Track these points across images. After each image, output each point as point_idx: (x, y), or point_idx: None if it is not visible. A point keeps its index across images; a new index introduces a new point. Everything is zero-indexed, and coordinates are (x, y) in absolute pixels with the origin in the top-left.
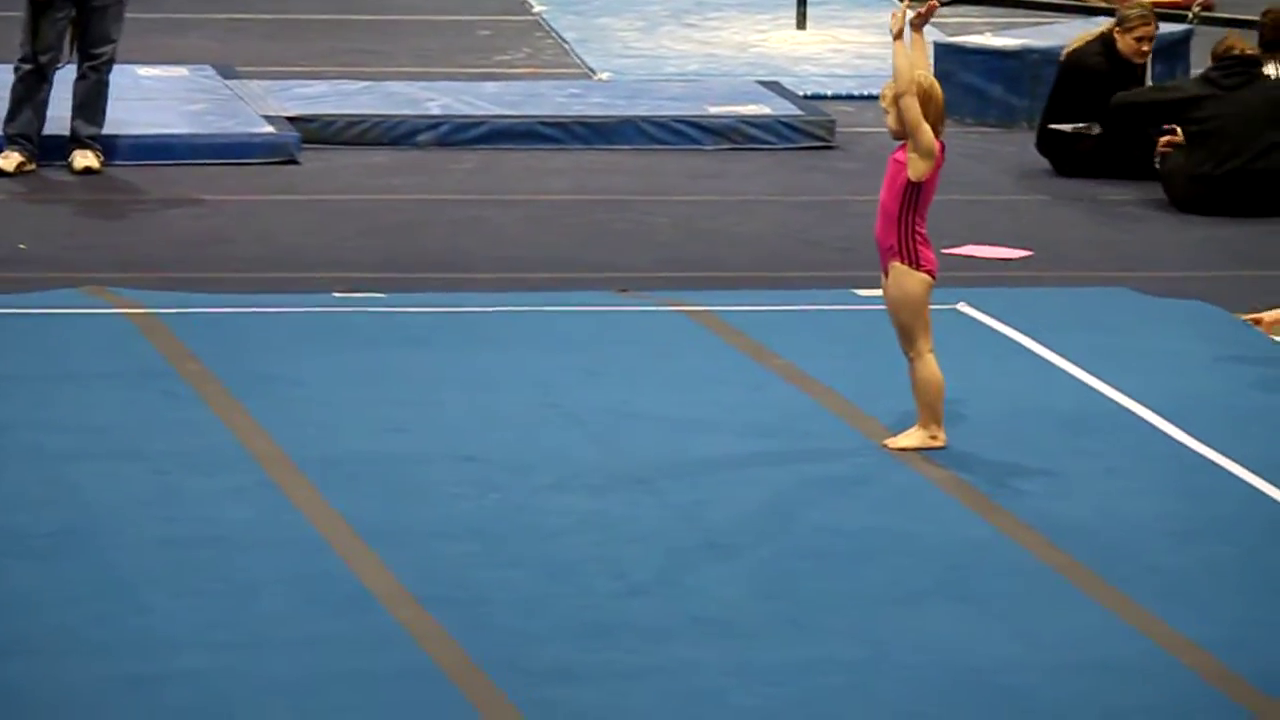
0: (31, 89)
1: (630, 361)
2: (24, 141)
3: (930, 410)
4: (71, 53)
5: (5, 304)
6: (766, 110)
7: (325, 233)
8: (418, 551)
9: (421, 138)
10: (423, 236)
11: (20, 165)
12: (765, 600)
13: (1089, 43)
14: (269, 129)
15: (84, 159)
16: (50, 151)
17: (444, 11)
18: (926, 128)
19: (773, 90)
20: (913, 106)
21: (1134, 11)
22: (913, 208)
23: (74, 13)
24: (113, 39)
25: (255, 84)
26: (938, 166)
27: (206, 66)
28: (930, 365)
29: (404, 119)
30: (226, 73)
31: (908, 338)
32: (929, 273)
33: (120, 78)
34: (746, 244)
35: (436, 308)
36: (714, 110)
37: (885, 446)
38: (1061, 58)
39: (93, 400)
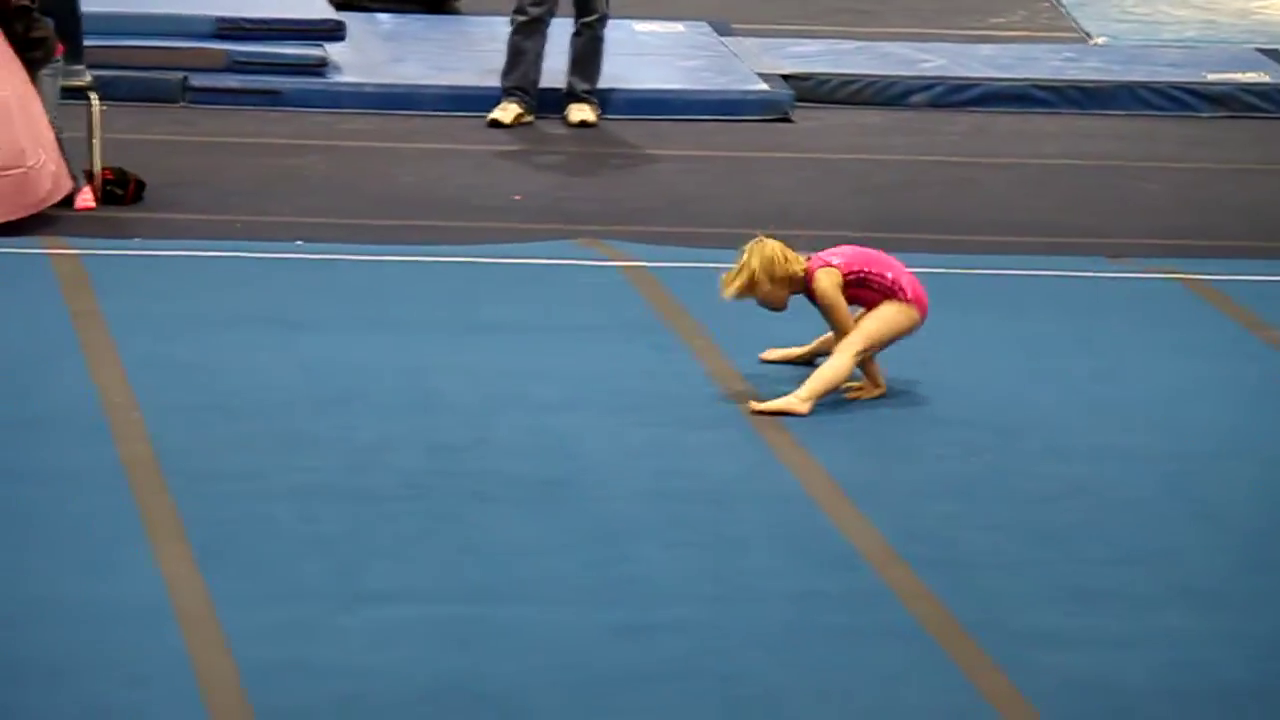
0: (526, 41)
1: (1121, 329)
2: (521, 94)
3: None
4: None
5: (501, 254)
6: (1266, 78)
7: (815, 191)
8: (903, 511)
9: (915, 98)
10: (913, 197)
11: (518, 117)
12: (1256, 573)
13: None
14: (763, 86)
15: (580, 112)
16: (547, 104)
17: None
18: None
19: (1273, 58)
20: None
21: None
22: None
23: None
24: None
25: (750, 41)
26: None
27: (703, 23)
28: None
29: (898, 79)
30: (722, 29)
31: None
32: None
33: (617, 33)
34: (1242, 213)
35: (925, 268)
36: (1212, 77)
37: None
38: None
39: (584, 351)
